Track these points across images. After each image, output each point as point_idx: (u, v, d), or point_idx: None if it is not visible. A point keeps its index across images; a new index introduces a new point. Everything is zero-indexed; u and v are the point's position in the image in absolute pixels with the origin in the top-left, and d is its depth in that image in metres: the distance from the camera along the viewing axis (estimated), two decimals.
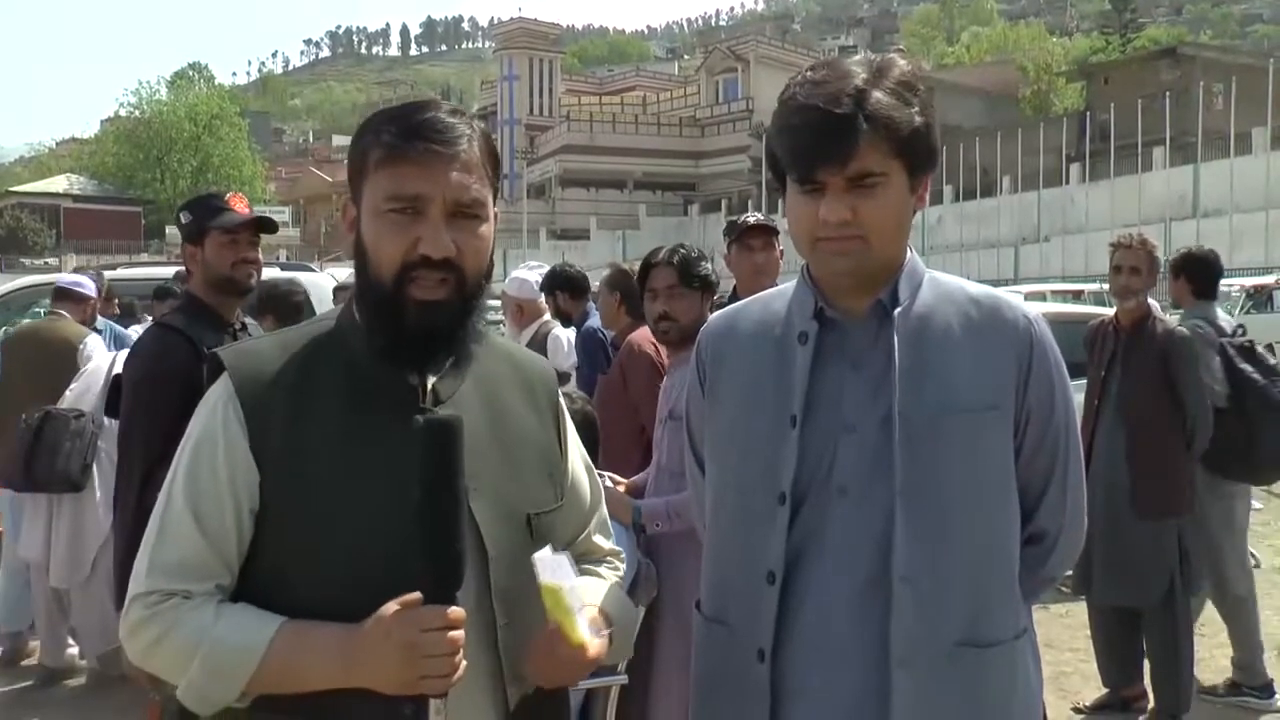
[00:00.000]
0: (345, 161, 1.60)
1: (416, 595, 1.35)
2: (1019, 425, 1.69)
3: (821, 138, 1.59)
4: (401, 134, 1.46)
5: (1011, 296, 1.77)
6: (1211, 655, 5.43)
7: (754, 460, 1.70)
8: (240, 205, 3.16)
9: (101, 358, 5.32)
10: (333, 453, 1.45)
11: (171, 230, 43.77)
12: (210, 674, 1.39)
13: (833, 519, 1.64)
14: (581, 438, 1.83)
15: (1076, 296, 21.23)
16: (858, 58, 1.69)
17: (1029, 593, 1.77)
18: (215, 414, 1.47)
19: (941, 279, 1.76)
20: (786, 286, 1.83)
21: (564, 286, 6.29)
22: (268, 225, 3.22)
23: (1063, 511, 1.77)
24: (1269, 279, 23.63)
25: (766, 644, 1.66)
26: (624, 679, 3.17)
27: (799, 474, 1.65)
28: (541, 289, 6.28)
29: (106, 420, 4.78)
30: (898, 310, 1.67)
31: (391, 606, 1.35)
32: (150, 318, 7.02)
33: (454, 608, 1.35)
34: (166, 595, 1.42)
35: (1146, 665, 4.73)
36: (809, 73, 1.67)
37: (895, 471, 1.61)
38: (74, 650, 5.38)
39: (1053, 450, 1.74)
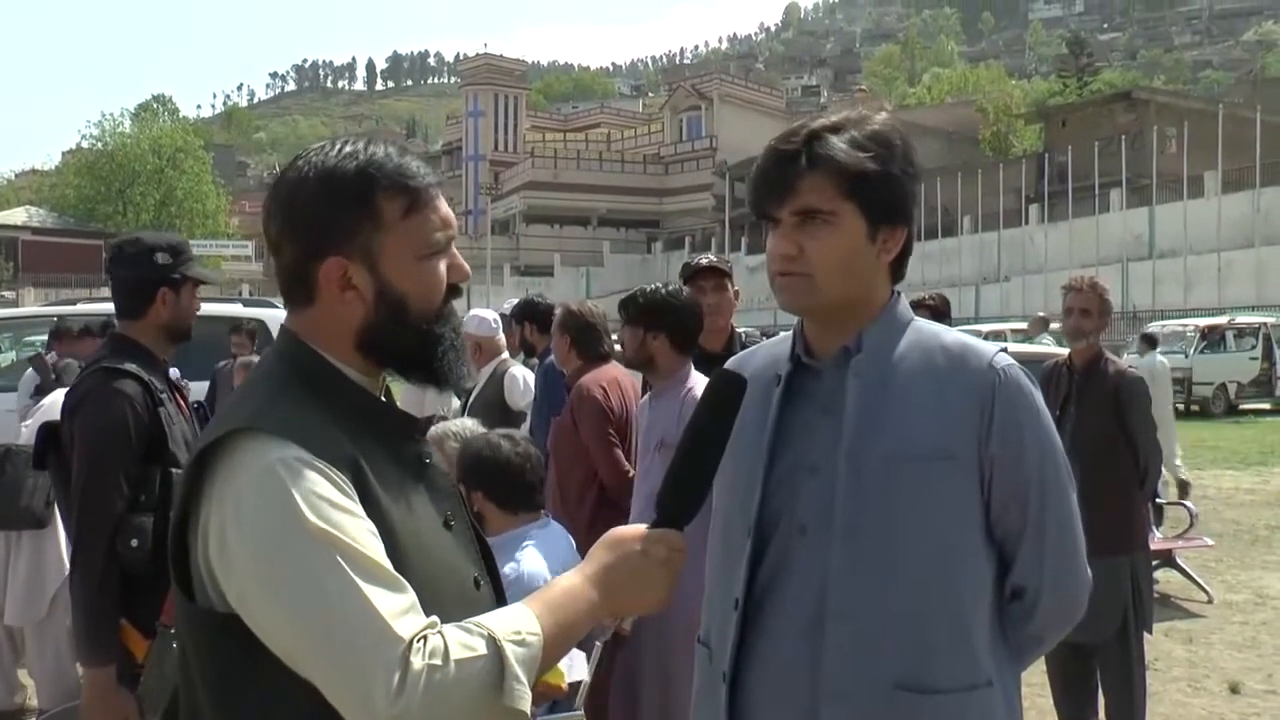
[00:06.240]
0: (306, 222, 1.40)
1: (640, 528, 1.44)
2: (984, 475, 1.68)
3: (768, 173, 1.71)
4: (416, 175, 1.43)
5: (986, 345, 1.74)
6: (1164, 689, 5.51)
7: (734, 494, 1.78)
8: None
9: (57, 395, 5.26)
10: (393, 494, 1.39)
11: None
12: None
13: (794, 555, 1.72)
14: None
15: (1031, 337, 21.49)
16: (846, 112, 1.75)
17: (1016, 651, 1.76)
18: (321, 482, 1.29)
19: (923, 327, 1.78)
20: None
21: (533, 318, 6.42)
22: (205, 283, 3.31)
23: (1040, 568, 1.72)
24: (1221, 319, 24.13)
25: (727, 667, 1.75)
26: (580, 715, 3.20)
27: (764, 511, 1.74)
28: (512, 317, 6.46)
29: None
30: (856, 357, 1.73)
31: (631, 532, 1.43)
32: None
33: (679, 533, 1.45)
34: (424, 633, 1.26)
35: (1101, 699, 4.80)
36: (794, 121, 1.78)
37: (837, 513, 1.67)
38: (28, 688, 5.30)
39: (1024, 503, 1.70)
